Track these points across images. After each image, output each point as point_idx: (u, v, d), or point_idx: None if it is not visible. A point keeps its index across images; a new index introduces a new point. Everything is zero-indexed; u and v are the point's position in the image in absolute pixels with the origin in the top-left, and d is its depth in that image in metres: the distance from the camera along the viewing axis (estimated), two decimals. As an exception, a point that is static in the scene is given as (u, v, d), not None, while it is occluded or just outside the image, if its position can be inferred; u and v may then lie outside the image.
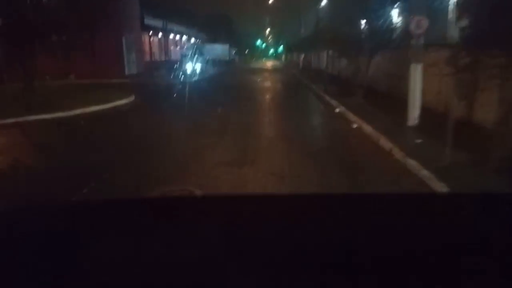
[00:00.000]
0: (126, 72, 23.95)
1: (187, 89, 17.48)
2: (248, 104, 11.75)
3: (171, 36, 48.80)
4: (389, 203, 1.10)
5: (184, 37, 56.10)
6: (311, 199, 1.23)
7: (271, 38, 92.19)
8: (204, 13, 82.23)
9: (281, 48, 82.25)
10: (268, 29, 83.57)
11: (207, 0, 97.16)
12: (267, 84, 19.48)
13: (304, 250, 0.79)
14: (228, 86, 18.39)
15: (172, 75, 27.32)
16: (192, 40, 61.42)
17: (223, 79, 23.98)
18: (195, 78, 25.09)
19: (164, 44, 42.34)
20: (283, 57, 73.84)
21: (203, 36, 69.38)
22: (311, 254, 0.77)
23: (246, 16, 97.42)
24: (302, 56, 31.35)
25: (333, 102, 11.75)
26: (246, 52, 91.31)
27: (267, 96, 14.47)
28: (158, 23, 34.22)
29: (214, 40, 63.06)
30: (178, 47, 49.84)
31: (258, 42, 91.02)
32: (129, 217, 0.99)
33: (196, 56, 39.78)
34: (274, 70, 36.23)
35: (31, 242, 0.83)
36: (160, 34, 43.95)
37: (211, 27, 72.09)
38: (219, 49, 52.54)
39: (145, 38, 35.79)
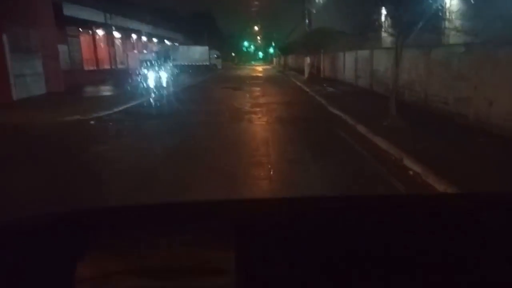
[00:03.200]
0: (15, 94, 13.66)
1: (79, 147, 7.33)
2: None
3: (134, 37, 38.53)
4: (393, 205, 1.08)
5: (155, 40, 45.81)
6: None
7: (260, 38, 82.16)
8: (185, 12, 72.33)
9: (271, 49, 72.28)
10: (257, 28, 73.38)
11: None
12: (264, 119, 9.00)
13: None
14: (186, 129, 8.36)
15: (118, 93, 17.41)
16: (168, 42, 51.24)
17: (189, 101, 13.77)
18: (149, 97, 15.06)
19: (115, 46, 32.01)
20: (274, 60, 63.92)
21: (180, 38, 59.21)
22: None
23: (232, 14, 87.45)
24: (308, 59, 21.37)
25: None
26: (232, 55, 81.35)
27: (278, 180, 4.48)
28: (99, 17, 23.90)
29: (195, 41, 52.87)
30: (145, 51, 39.33)
31: (246, 43, 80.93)
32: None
33: (159, 62, 29.65)
34: (268, 80, 26.07)
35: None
36: (117, 35, 33.64)
37: (190, 27, 62.03)
38: (197, 52, 42.30)
39: (83, 38, 25.48)
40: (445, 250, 0.78)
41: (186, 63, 40.55)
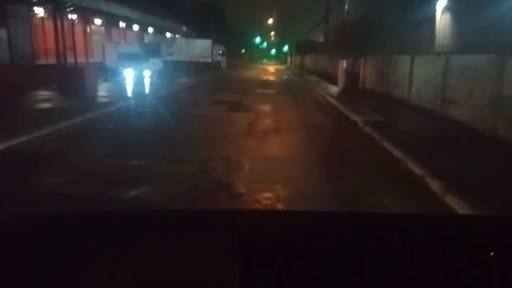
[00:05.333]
0: None
1: None
2: None
3: (122, 25, 32.08)
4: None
5: (151, 30, 39.34)
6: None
7: (274, 34, 74.87)
8: (191, 2, 65.77)
9: (286, 47, 65.34)
10: (271, 21, 65.77)
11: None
12: None
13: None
14: None
15: (52, 103, 11.19)
16: (169, 35, 44.77)
17: (139, 138, 7.27)
18: (84, 116, 8.52)
19: (89, 35, 25.50)
20: (289, 59, 56.91)
21: (184, 30, 52.65)
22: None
23: (244, 6, 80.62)
24: (344, 63, 14.52)
25: None
26: (242, 51, 74.35)
27: None
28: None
29: (200, 35, 46.13)
30: (130, 42, 32.81)
31: (258, 39, 73.84)
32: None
33: (144, 57, 23.02)
34: (284, 89, 19.23)
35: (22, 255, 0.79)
36: (97, 21, 27.25)
37: (196, 18, 55.35)
38: (197, 47, 35.41)
39: (37, 22, 19.09)
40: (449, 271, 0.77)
41: (183, 59, 33.87)
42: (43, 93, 12.80)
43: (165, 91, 15.07)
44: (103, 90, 14.80)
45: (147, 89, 16.55)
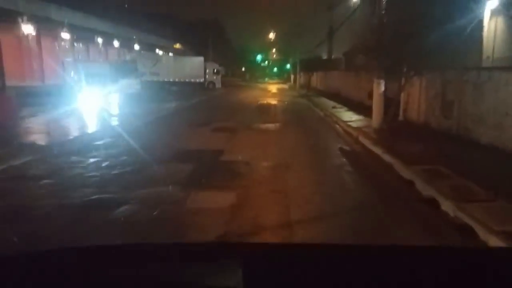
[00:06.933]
0: None
1: None
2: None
3: (100, 42, 27.68)
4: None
5: (137, 47, 34.93)
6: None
7: (276, 51, 70.40)
8: (189, 20, 61.59)
9: (288, 65, 60.73)
10: (272, 37, 61.11)
11: (199, 4, 76.92)
12: None
13: None
14: None
15: None
16: (160, 52, 40.42)
17: None
18: None
19: (51, 52, 20.87)
20: (292, 78, 52.20)
21: (180, 47, 48.45)
22: None
23: (245, 24, 77.08)
24: (382, 85, 9.57)
25: None
26: (242, 70, 69.97)
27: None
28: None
29: (198, 53, 41.72)
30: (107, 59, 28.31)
31: (259, 57, 69.46)
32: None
33: (109, 79, 18.19)
34: (292, 119, 14.00)
35: None
36: (65, 35, 22.78)
37: (194, 36, 51.25)
38: (187, 65, 30.55)
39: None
40: None
41: (171, 79, 29.18)
42: None
43: (119, 127, 10.18)
44: (28, 126, 9.94)
45: (97, 122, 11.67)
